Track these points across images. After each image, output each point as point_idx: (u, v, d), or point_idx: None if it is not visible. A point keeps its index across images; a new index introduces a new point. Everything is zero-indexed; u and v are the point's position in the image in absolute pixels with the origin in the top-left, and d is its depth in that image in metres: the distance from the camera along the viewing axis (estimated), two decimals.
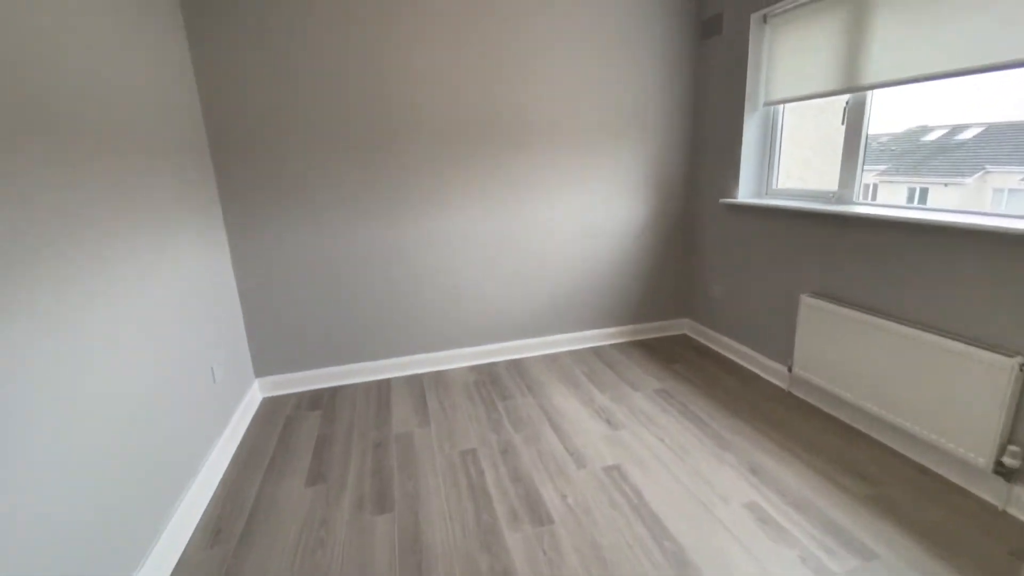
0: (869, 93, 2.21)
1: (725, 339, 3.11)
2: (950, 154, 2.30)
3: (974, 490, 1.80)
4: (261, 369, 2.81)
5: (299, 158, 2.60)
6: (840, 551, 1.58)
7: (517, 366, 3.08)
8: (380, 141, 2.68)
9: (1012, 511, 1.70)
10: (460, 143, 2.79)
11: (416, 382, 2.92)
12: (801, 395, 2.55)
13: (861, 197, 2.35)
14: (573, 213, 3.08)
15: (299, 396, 2.81)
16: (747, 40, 2.66)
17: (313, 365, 2.88)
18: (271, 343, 2.79)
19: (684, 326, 3.52)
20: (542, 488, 1.94)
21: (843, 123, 2.34)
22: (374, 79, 2.60)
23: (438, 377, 2.97)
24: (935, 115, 2.27)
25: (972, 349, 1.74)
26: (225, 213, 2.56)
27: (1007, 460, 1.68)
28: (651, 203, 3.22)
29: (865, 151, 2.29)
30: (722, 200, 2.94)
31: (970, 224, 1.74)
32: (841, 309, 2.22)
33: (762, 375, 2.81)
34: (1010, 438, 1.69)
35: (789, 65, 2.52)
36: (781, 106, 2.71)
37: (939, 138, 2.34)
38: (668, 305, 3.46)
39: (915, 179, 2.33)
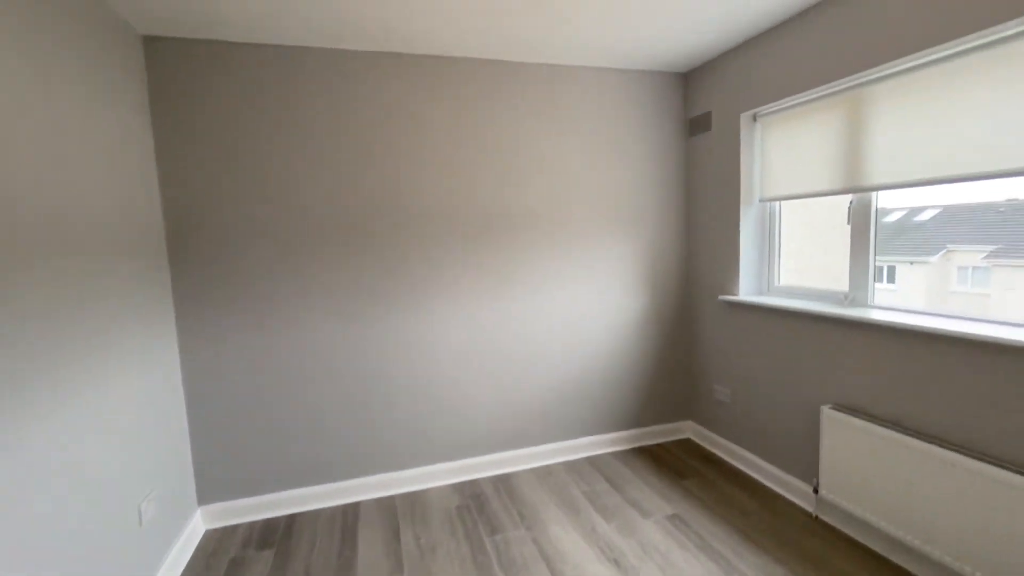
0: (874, 193, 2.12)
1: (734, 447, 2.80)
2: (911, 234, 2.24)
3: None
4: (207, 495, 2.39)
5: (265, 258, 2.37)
6: None
7: (505, 483, 2.70)
8: (356, 241, 2.48)
9: None
10: (444, 240, 2.62)
11: (388, 507, 2.51)
12: (832, 521, 2.22)
13: (875, 299, 2.19)
14: (565, 310, 2.87)
15: (249, 527, 2.37)
16: (738, 137, 2.62)
17: (268, 488, 2.47)
18: (220, 464, 2.39)
19: (687, 429, 3.21)
20: None
21: (848, 223, 2.23)
22: (352, 177, 2.46)
23: (414, 500, 2.57)
24: (893, 197, 2.17)
25: (1019, 478, 1.48)
26: (179, 319, 2.27)
27: None
28: (648, 299, 3.04)
29: (875, 251, 2.16)
30: (721, 297, 2.77)
31: (988, 337, 1.55)
32: (872, 426, 1.97)
33: (783, 493, 2.48)
34: None
35: (784, 162, 2.46)
36: (778, 202, 2.63)
37: (900, 219, 2.27)
38: (669, 407, 3.18)
39: (881, 258, 2.21)
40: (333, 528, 2.35)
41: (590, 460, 2.93)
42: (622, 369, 3.02)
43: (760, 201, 2.65)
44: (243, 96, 2.29)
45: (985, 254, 2.63)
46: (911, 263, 2.30)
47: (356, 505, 2.54)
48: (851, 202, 2.21)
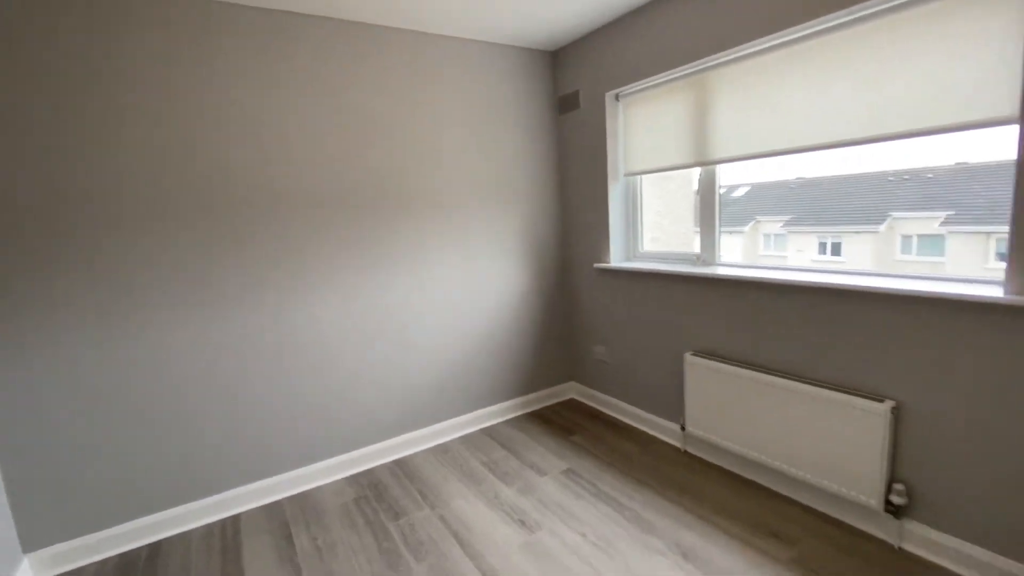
0: (717, 167, 2.44)
1: (614, 401, 3.08)
2: (729, 208, 2.71)
3: (873, 531, 1.90)
4: (34, 540, 1.95)
5: (104, 242, 1.96)
6: None
7: (404, 467, 2.64)
8: (218, 217, 2.17)
9: (907, 547, 1.81)
10: (315, 219, 2.41)
11: (276, 513, 2.30)
12: (696, 452, 2.57)
13: (724, 257, 2.54)
14: (449, 286, 2.85)
15: (100, 566, 2.00)
16: (604, 116, 2.81)
17: (117, 519, 2.10)
18: (50, 502, 1.97)
19: (571, 390, 3.44)
20: None
21: (697, 193, 2.54)
22: (211, 144, 2.13)
23: (304, 501, 2.39)
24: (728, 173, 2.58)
25: (849, 396, 1.88)
26: None
27: (894, 499, 1.80)
28: (529, 271, 3.15)
29: (720, 217, 2.50)
30: (595, 265, 2.99)
31: (821, 283, 1.92)
32: (724, 366, 2.31)
33: (658, 436, 2.80)
34: (893, 477, 1.83)
35: (644, 139, 2.71)
36: (640, 177, 2.89)
37: (721, 194, 2.71)
38: (554, 371, 3.37)
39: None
40: (211, 546, 2.09)
41: (485, 431, 2.99)
42: (508, 340, 3.11)
43: (625, 176, 2.89)
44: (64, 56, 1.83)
45: (782, 223, 3.22)
46: (729, 232, 2.74)
47: (236, 518, 2.28)
48: (700, 174, 2.52)
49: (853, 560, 1.78)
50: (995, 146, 1.64)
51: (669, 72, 2.44)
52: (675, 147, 2.54)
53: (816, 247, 2.75)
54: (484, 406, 3.06)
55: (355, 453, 2.62)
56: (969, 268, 2.14)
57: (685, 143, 2.49)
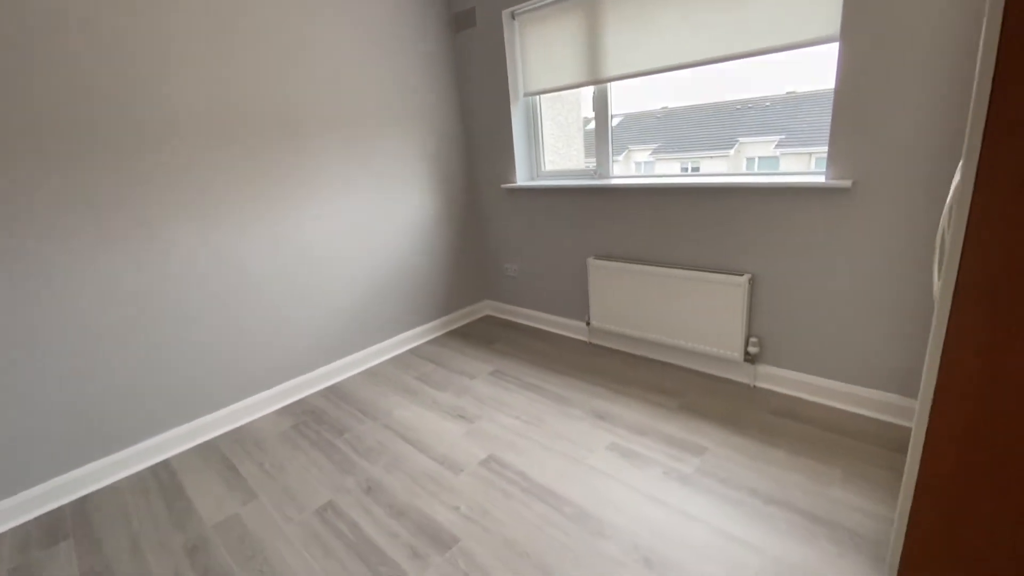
0: (609, 85, 2.67)
1: (527, 311, 3.40)
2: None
3: (735, 377, 2.46)
4: None
5: None
6: (683, 455, 1.94)
7: (337, 392, 2.72)
8: (101, 145, 1.92)
9: (760, 384, 2.38)
10: (217, 143, 2.23)
11: (212, 450, 2.29)
12: (600, 342, 3.00)
13: (615, 171, 2.84)
14: (362, 214, 2.84)
15: (20, 531, 1.88)
16: (502, 34, 2.87)
17: (28, 482, 1.95)
18: None
19: (486, 307, 3.69)
20: (431, 511, 1.78)
21: (593, 110, 2.77)
22: (74, 69, 1.83)
23: (241, 435, 2.39)
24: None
25: (716, 275, 2.33)
26: None
27: (750, 349, 2.33)
28: (438, 195, 3.22)
29: (612, 133, 2.77)
30: (503, 185, 3.15)
31: (688, 183, 2.30)
32: (621, 264, 2.68)
33: (567, 335, 3.18)
34: (749, 333, 2.35)
35: (541, 59, 2.83)
36: (538, 97, 3.04)
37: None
38: (470, 291, 3.57)
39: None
40: (147, 490, 2.05)
41: (412, 351, 3.15)
42: (424, 264, 3.22)
43: (525, 96, 3.01)
44: None
45: (650, 151, 3.63)
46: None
47: (166, 462, 2.23)
48: (594, 92, 2.73)
49: (721, 398, 2.31)
50: (817, 76, 2.05)
51: None
52: (571, 66, 2.71)
53: (679, 170, 3.19)
54: (407, 329, 3.19)
55: (285, 385, 2.63)
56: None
57: (580, 62, 2.66)
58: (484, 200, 3.39)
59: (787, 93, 2.51)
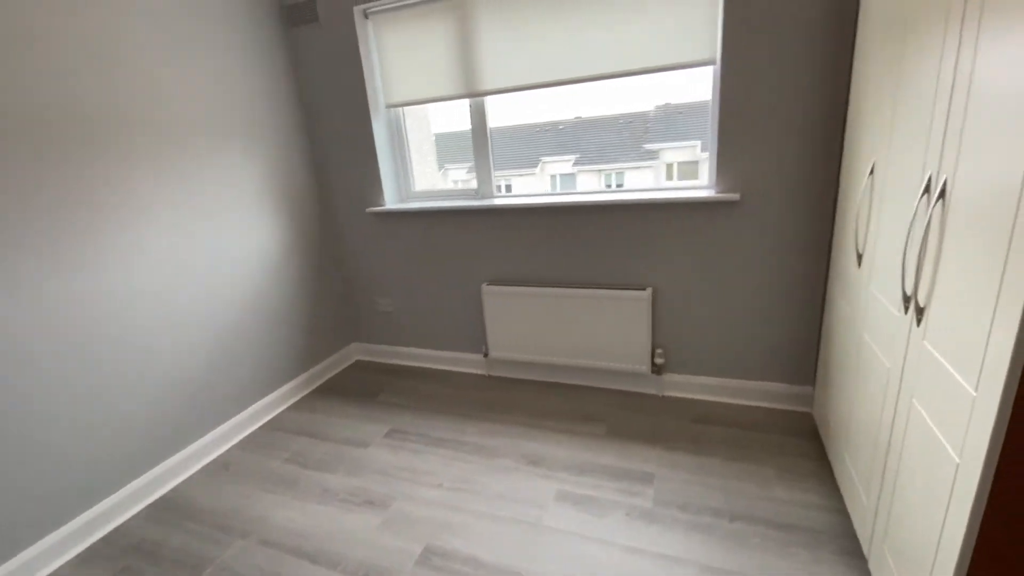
0: (486, 99, 2.47)
1: (406, 349, 2.98)
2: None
3: (644, 390, 2.46)
4: None
5: None
6: (634, 487, 1.83)
7: (173, 507, 1.95)
8: None
9: (667, 393, 2.42)
10: None
11: None
12: (501, 374, 2.76)
13: (498, 190, 2.66)
14: (185, 256, 2.12)
15: None
16: (355, 35, 2.45)
17: None
18: None
19: (355, 352, 3.15)
20: None
21: (471, 125, 2.54)
22: None
23: None
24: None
25: (619, 291, 2.30)
26: None
27: (657, 360, 2.36)
28: (289, 225, 2.61)
29: (493, 149, 2.57)
30: (370, 210, 2.70)
31: (580, 201, 2.25)
32: (518, 289, 2.49)
33: (462, 370, 2.87)
34: (654, 345, 2.38)
35: (405, 67, 2.50)
36: (402, 109, 2.68)
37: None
38: (334, 335, 2.99)
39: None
40: None
41: (273, 424, 2.47)
42: (273, 312, 2.57)
43: (387, 107, 2.63)
44: None
45: (571, 162, 3.47)
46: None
47: None
48: (470, 106, 2.51)
49: (640, 415, 2.28)
50: (692, 89, 2.17)
51: None
52: (442, 77, 2.44)
53: (549, 182, 3.16)
54: (262, 396, 2.50)
55: (88, 514, 1.78)
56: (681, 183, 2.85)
57: (453, 74, 2.41)
58: (346, 228, 2.88)
59: (664, 104, 2.54)
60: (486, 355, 2.73)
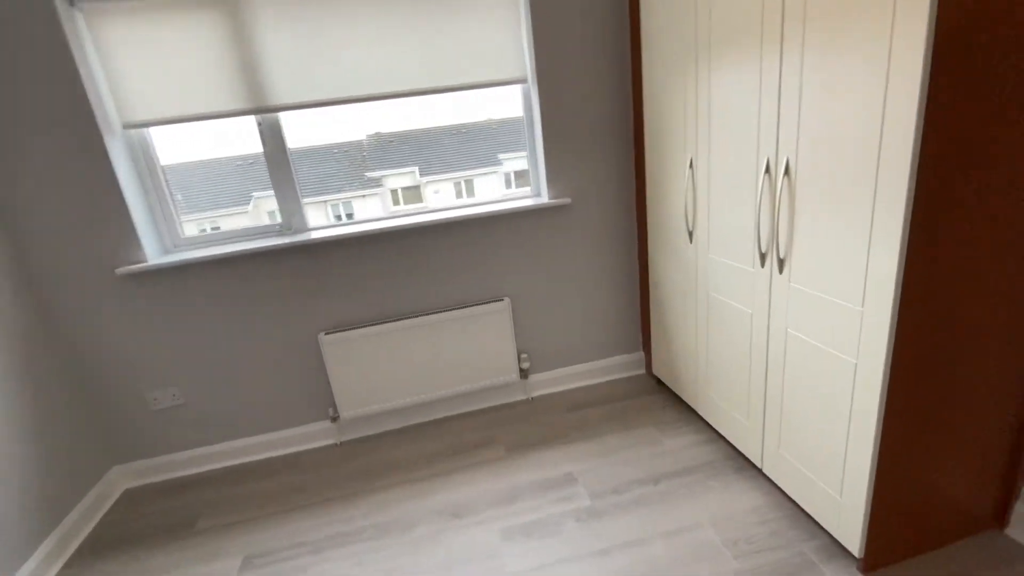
0: (281, 116, 2.05)
1: (210, 450, 2.23)
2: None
3: (514, 398, 2.48)
4: None
5: None
6: (566, 491, 1.82)
7: None
8: None
9: (536, 393, 2.50)
10: None
11: None
12: (359, 434, 2.35)
13: (311, 222, 2.24)
14: None
15: None
16: (58, 29, 1.68)
17: None
18: None
19: (117, 483, 2.17)
20: None
21: (264, 147, 2.07)
22: None
23: None
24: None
25: (479, 307, 2.26)
26: None
27: (523, 365, 2.41)
28: None
29: (298, 174, 2.16)
30: (121, 270, 1.91)
31: (429, 221, 2.14)
32: (366, 330, 2.17)
33: (301, 449, 2.31)
34: (519, 351, 2.42)
35: (151, 75, 1.85)
36: (149, 130, 1.99)
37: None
38: (84, 467, 2.00)
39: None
40: None
41: None
42: None
43: (125, 128, 1.90)
44: None
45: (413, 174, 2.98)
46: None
47: None
48: (259, 124, 2.04)
49: (523, 423, 2.29)
50: (505, 105, 2.29)
51: None
52: (214, 88, 1.91)
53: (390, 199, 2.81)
54: None
55: None
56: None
57: (230, 84, 1.92)
58: (82, 307, 1.95)
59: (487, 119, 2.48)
60: (335, 418, 2.27)
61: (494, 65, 2.10)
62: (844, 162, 1.17)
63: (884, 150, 1.07)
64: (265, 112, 1.99)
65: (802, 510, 1.61)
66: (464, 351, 2.30)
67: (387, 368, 2.24)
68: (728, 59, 1.51)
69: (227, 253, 1.97)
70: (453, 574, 1.54)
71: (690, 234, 1.90)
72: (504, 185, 2.47)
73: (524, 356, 2.43)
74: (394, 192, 2.33)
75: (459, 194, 2.43)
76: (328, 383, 2.26)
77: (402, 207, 2.37)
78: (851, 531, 1.36)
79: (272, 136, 2.06)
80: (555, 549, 1.59)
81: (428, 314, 2.23)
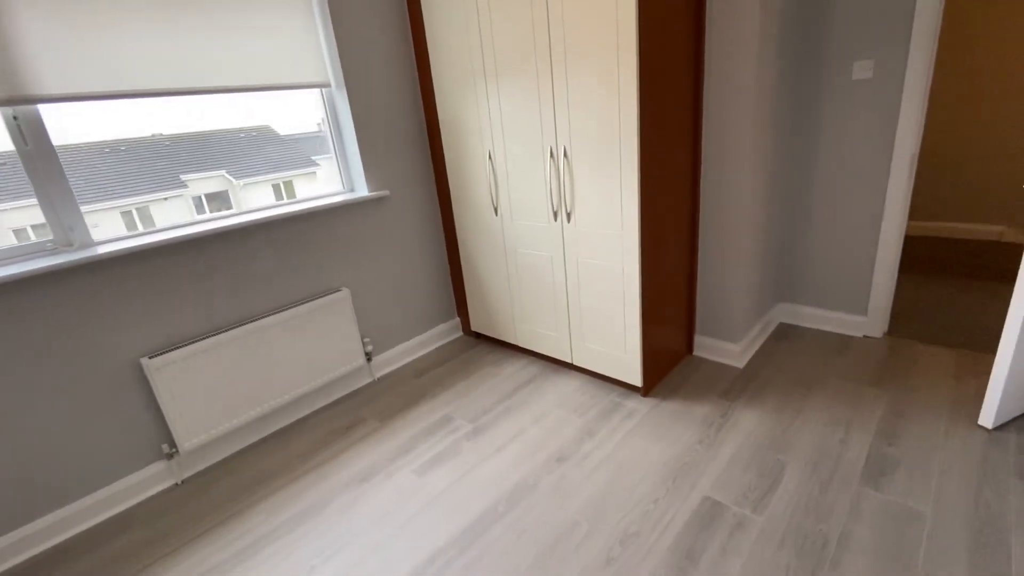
0: (42, 107, 1.69)
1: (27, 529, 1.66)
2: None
3: (361, 382, 2.62)
4: None
5: None
6: (452, 424, 2.19)
7: None
8: None
9: (380, 373, 2.70)
10: None
11: None
12: (203, 463, 2.10)
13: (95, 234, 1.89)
14: None
15: None
16: None
17: None
18: None
19: None
20: None
21: (26, 144, 1.66)
22: None
23: None
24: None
25: (318, 300, 2.35)
26: None
27: (367, 349, 2.60)
28: None
29: (69, 177, 1.80)
30: None
31: (248, 222, 2.14)
32: (196, 346, 2.00)
33: (127, 505, 1.92)
34: (363, 334, 2.58)
35: None
36: None
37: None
38: None
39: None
40: None
41: None
42: None
43: None
44: None
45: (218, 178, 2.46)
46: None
47: None
48: (15, 119, 1.64)
49: (385, 397, 2.50)
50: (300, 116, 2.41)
51: None
52: None
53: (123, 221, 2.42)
54: None
55: None
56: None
57: None
58: None
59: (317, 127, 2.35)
60: (173, 453, 1.99)
61: (291, 69, 2.22)
62: (600, 146, 1.95)
63: (622, 138, 1.88)
64: (21, 103, 1.63)
65: (604, 377, 2.43)
66: (310, 346, 2.34)
67: (230, 382, 2.10)
68: (512, 81, 2.16)
69: None
70: (394, 515, 1.74)
71: (495, 209, 2.50)
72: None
73: (367, 340, 2.61)
74: (206, 196, 2.17)
75: (279, 196, 2.42)
76: (158, 414, 1.96)
77: (225, 212, 2.22)
78: (634, 372, 2.21)
79: (32, 133, 1.69)
80: (464, 463, 1.96)
81: (266, 316, 2.19)
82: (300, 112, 2.41)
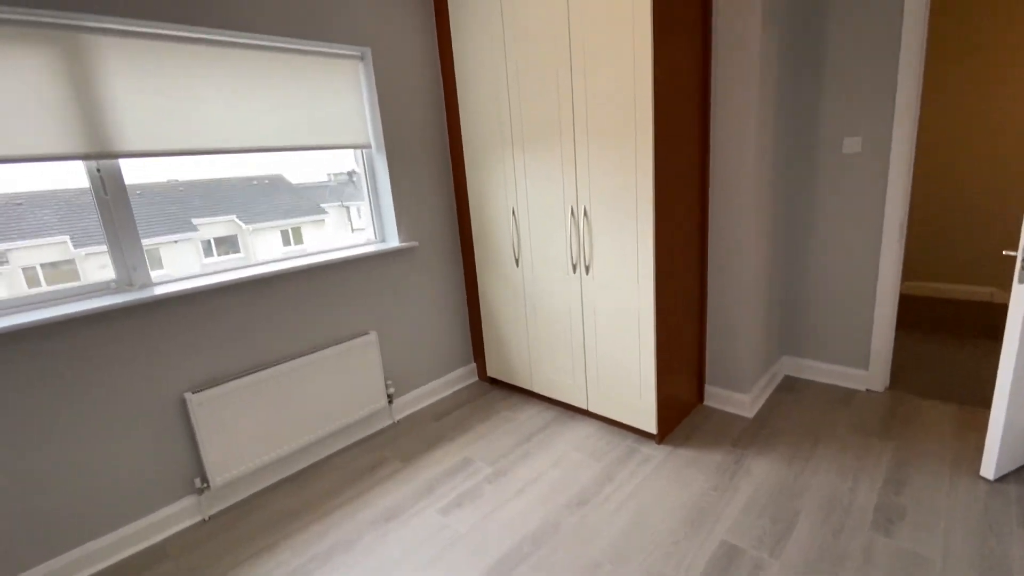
0: (121, 162, 1.89)
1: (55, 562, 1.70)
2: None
3: (381, 424, 2.70)
4: None
5: None
6: (471, 467, 2.25)
7: None
8: None
9: (399, 416, 2.78)
10: None
11: None
12: (233, 499, 2.15)
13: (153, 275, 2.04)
14: None
15: None
16: None
17: None
18: None
19: None
20: None
21: (106, 194, 1.85)
22: None
23: None
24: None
25: (346, 344, 2.47)
26: None
27: (390, 391, 2.70)
28: None
29: (138, 224, 1.97)
30: None
31: (289, 268, 2.31)
32: (237, 383, 2.11)
33: (156, 540, 1.96)
34: (386, 377, 2.69)
35: None
36: None
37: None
38: None
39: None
40: None
41: None
42: None
43: None
44: None
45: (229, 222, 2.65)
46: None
47: None
48: (98, 171, 1.83)
49: (404, 439, 2.58)
50: (338, 163, 2.64)
51: None
52: (39, 128, 1.68)
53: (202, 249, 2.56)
54: None
55: None
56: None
57: (63, 126, 1.72)
58: None
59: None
60: (204, 488, 2.05)
61: (337, 131, 2.47)
62: (618, 209, 2.15)
63: (639, 202, 2.08)
64: (107, 157, 1.83)
65: (619, 423, 2.51)
66: (339, 386, 2.44)
67: (263, 419, 2.19)
68: (537, 147, 2.39)
69: (47, 319, 1.68)
70: (421, 553, 1.79)
71: (516, 260, 2.68)
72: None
73: (390, 382, 2.71)
74: (215, 240, 2.35)
75: (287, 242, 2.60)
76: (194, 448, 2.04)
77: (234, 256, 2.38)
78: (649, 419, 2.31)
79: (111, 183, 1.88)
80: (487, 504, 2.02)
81: (301, 356, 2.31)
82: (314, 163, 2.60)
